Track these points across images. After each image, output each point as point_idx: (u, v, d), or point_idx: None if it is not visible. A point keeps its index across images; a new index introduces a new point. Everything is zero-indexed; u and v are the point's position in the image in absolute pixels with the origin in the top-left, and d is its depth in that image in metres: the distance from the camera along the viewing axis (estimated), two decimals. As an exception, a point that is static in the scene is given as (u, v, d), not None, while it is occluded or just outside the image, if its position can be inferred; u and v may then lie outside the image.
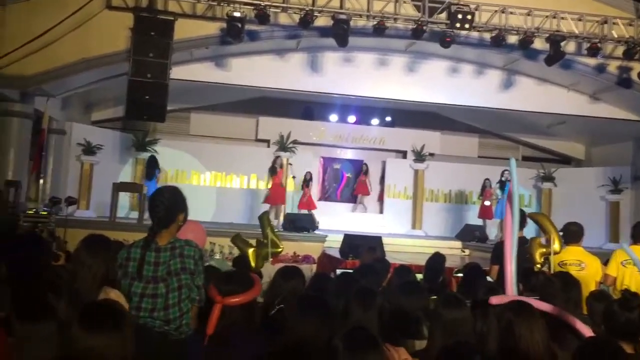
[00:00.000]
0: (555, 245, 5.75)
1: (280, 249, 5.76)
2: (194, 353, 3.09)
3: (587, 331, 3.33)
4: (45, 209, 11.03)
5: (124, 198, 13.90)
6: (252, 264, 5.54)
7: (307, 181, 14.90)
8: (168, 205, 3.51)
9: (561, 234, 6.01)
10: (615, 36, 11.32)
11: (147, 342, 2.97)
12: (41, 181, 12.02)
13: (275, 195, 14.06)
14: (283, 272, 4.05)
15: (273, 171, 14.14)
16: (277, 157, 14.74)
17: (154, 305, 3.34)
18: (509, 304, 3.00)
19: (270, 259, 5.73)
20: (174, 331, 3.36)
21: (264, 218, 5.98)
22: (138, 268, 3.39)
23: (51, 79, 11.02)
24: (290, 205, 14.24)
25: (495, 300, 3.27)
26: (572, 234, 6.00)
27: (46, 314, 3.21)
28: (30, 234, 7.61)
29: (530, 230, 7.51)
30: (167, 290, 3.35)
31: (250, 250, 5.66)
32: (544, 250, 5.82)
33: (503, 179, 13.69)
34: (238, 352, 2.87)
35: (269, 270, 5.73)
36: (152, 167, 14.07)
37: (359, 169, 17.05)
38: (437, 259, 6.01)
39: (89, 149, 13.98)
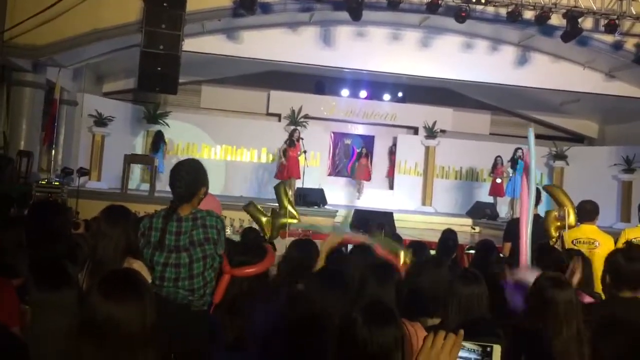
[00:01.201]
0: (571, 218, 5.71)
1: (297, 220, 5.66)
2: (216, 323, 3.11)
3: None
4: (58, 179, 11.11)
5: (135, 170, 13.96)
6: (267, 234, 5.46)
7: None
8: (189, 179, 3.50)
9: (576, 212, 5.96)
10: (634, 13, 11.13)
11: (170, 313, 3.00)
12: (53, 152, 12.07)
13: (292, 169, 14.02)
14: (297, 244, 4.05)
15: (291, 143, 13.99)
16: (295, 129, 14.63)
17: (177, 274, 3.32)
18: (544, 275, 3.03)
19: (282, 232, 5.67)
20: (197, 301, 3.36)
21: (280, 188, 5.86)
22: (160, 238, 3.36)
23: (63, 49, 10.99)
24: (302, 180, 14.24)
25: (509, 276, 3.28)
26: (586, 212, 5.95)
27: (64, 282, 3.22)
28: (51, 201, 7.63)
29: (543, 209, 7.48)
30: (190, 260, 3.33)
31: (265, 220, 5.57)
32: (559, 223, 5.79)
33: (516, 157, 13.54)
34: (249, 321, 2.89)
35: (279, 244, 5.71)
36: (157, 140, 14.26)
37: (371, 144, 16.97)
38: (449, 235, 5.99)
39: (101, 121, 14.00)
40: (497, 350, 2.09)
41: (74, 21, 10.60)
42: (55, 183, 10.62)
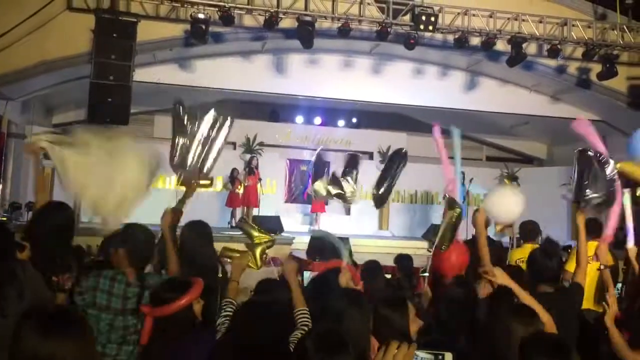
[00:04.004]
0: None
1: (272, 239, 5.36)
2: None
3: None
4: (5, 214, 10.80)
5: (87, 202, 13.64)
6: (258, 264, 5.16)
7: (233, 178, 14.80)
8: (144, 247, 3.58)
9: (519, 232, 6.23)
10: (575, 38, 11.57)
11: None
12: (0, 186, 11.74)
13: (250, 197, 13.95)
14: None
15: (250, 171, 14.02)
16: (253, 157, 14.67)
17: (124, 337, 3.35)
18: None
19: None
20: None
21: (244, 225, 5.58)
22: (107, 299, 3.38)
23: (9, 82, 10.77)
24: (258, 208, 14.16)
25: None
26: (528, 232, 6.20)
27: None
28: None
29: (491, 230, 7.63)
30: (137, 321, 3.35)
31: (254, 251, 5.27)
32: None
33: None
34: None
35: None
36: None
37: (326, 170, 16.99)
38: (406, 261, 6.05)
39: (50, 153, 13.68)
40: (448, 357, 2.13)
41: (21, 53, 10.40)
42: (3, 218, 10.33)
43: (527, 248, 6.15)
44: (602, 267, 4.57)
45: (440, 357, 2.14)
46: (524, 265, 5.77)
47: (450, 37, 11.41)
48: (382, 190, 5.23)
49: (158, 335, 2.96)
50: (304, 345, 2.21)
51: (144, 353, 2.97)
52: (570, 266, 6.03)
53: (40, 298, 3.21)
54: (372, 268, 5.31)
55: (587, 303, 5.63)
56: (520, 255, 6.11)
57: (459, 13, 11.23)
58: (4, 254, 3.46)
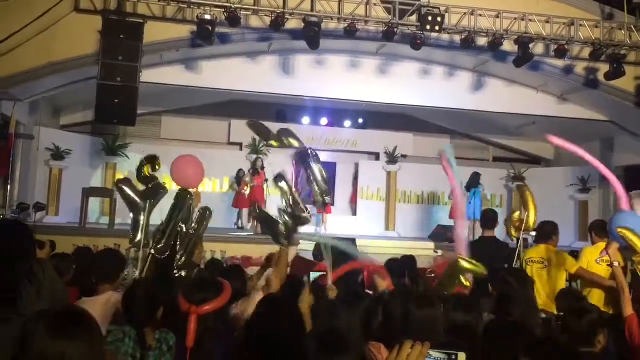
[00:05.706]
0: (531, 219, 6.18)
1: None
2: None
3: None
4: (13, 215, 10.86)
5: (95, 203, 13.71)
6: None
7: (239, 179, 14.81)
8: (148, 301, 3.33)
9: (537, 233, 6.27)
10: (582, 38, 11.54)
11: None
12: (8, 187, 11.80)
13: (256, 197, 14.01)
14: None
15: (255, 172, 14.08)
16: (258, 157, 14.71)
17: None
18: None
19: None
20: None
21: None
22: None
23: (18, 83, 10.83)
24: (265, 208, 14.16)
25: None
26: (544, 233, 6.21)
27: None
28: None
29: (500, 232, 7.61)
30: None
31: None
32: (518, 224, 6.31)
33: (472, 181, 13.64)
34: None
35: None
36: None
37: (333, 171, 16.99)
38: (409, 262, 6.07)
39: (58, 154, 13.76)
40: (462, 357, 2.13)
41: (29, 54, 10.47)
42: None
43: (539, 249, 6.15)
44: (615, 264, 4.55)
45: (453, 356, 2.13)
46: (532, 265, 5.79)
47: (457, 38, 11.40)
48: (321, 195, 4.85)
49: (201, 332, 2.98)
50: (306, 344, 2.23)
51: (195, 352, 2.93)
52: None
53: (58, 297, 3.21)
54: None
55: (596, 305, 5.62)
56: (531, 255, 6.13)
57: (465, 13, 11.21)
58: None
